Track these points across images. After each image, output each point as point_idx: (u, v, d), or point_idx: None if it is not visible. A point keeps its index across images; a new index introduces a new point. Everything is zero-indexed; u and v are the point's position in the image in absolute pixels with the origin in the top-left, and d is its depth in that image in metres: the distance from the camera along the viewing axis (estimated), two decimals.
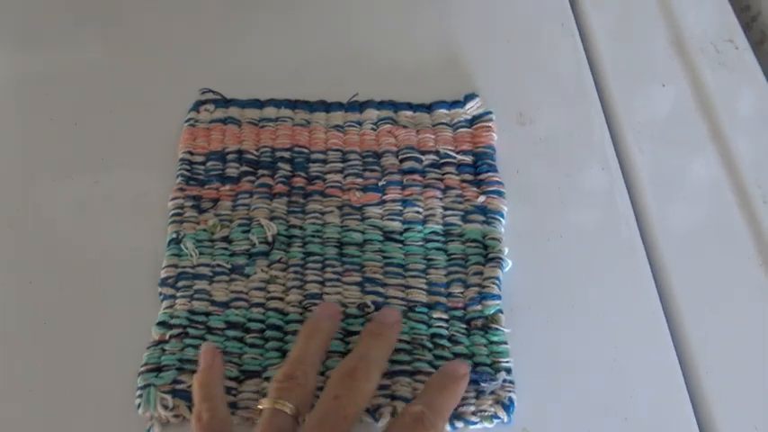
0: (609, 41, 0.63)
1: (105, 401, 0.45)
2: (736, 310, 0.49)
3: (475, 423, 0.43)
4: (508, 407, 0.43)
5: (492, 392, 0.44)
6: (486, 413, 0.43)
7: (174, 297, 0.48)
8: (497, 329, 0.46)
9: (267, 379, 0.45)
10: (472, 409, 0.43)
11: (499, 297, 0.48)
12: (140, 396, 0.44)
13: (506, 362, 0.45)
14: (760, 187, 0.54)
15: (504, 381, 0.44)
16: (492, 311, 0.47)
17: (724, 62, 0.61)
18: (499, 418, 0.43)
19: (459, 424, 0.43)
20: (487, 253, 0.50)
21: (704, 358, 0.47)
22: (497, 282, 0.48)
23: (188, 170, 0.54)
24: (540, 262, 0.51)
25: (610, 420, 0.44)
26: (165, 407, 0.44)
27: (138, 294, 0.49)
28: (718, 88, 0.60)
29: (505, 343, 0.46)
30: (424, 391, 0.42)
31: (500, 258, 0.49)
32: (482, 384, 0.44)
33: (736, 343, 0.47)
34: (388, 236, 0.51)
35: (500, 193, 0.53)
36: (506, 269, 0.49)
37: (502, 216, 0.52)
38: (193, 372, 0.45)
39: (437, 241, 0.51)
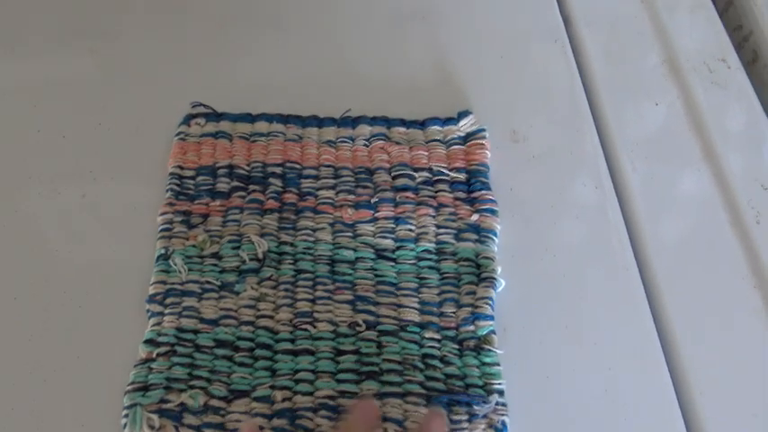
0: (602, 59, 0.63)
1: (90, 421, 0.44)
2: (730, 331, 0.48)
3: None
4: (501, 430, 0.43)
5: (485, 416, 0.43)
6: None
7: (161, 314, 0.47)
8: (490, 351, 0.46)
9: (257, 399, 0.44)
10: None
11: (492, 318, 0.47)
12: (126, 416, 0.43)
13: (499, 384, 0.45)
14: (753, 208, 0.54)
15: (497, 403, 0.44)
16: (484, 332, 0.47)
17: (717, 81, 0.61)
18: None
19: None
20: (480, 272, 0.49)
21: (698, 380, 0.46)
22: (491, 302, 0.48)
23: (178, 185, 0.53)
24: (533, 281, 0.50)
25: None
26: (152, 427, 0.43)
27: (125, 311, 0.48)
28: (711, 107, 0.60)
29: (498, 364, 0.46)
30: None
31: (493, 278, 0.49)
32: (475, 407, 0.43)
33: (730, 364, 0.47)
34: (380, 254, 0.50)
35: (493, 212, 0.52)
36: (499, 289, 0.49)
37: (495, 235, 0.51)
38: (181, 390, 0.44)
39: (430, 260, 0.50)
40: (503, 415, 0.43)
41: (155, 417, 0.43)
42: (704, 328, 0.48)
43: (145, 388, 0.44)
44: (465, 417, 0.43)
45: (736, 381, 0.46)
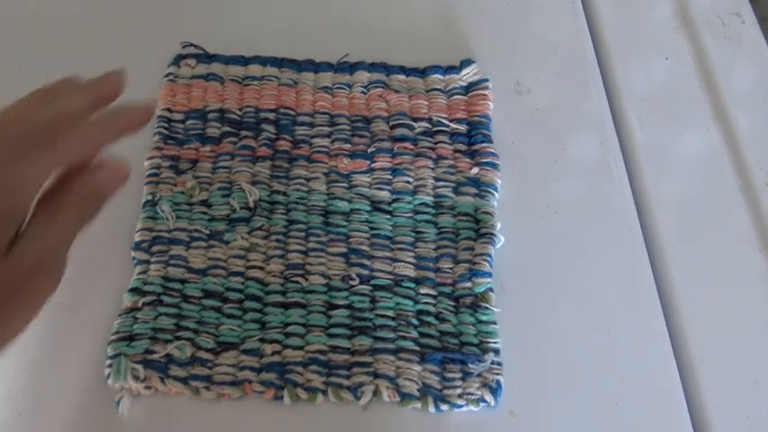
0: (612, 11, 0.60)
1: (72, 371, 0.43)
2: (733, 295, 0.47)
3: (460, 406, 0.42)
4: (495, 390, 0.42)
5: (479, 374, 0.42)
6: (473, 396, 0.42)
7: (148, 262, 0.46)
8: (486, 308, 0.45)
9: (245, 352, 0.43)
10: (458, 391, 0.42)
11: (490, 275, 0.46)
12: (110, 366, 0.42)
13: (494, 343, 0.43)
14: (761, 169, 0.52)
15: (492, 362, 0.42)
16: (482, 289, 0.45)
17: (730, 36, 0.59)
18: (486, 401, 0.42)
19: (444, 407, 0.42)
20: (479, 228, 0.48)
21: (698, 345, 0.45)
22: (489, 259, 0.46)
23: (166, 128, 0.51)
24: (534, 239, 0.49)
25: (600, 405, 0.43)
26: (137, 378, 0.41)
27: (109, 258, 0.46)
28: (722, 63, 0.58)
29: (494, 323, 0.44)
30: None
31: (492, 234, 0.47)
32: (470, 365, 0.42)
33: (731, 330, 0.46)
34: (375, 206, 0.49)
35: (494, 165, 0.50)
36: (498, 245, 0.47)
37: (495, 189, 0.50)
38: (167, 341, 0.43)
39: (427, 213, 0.48)
40: (497, 374, 0.42)
41: (139, 367, 0.42)
42: (707, 291, 0.47)
43: (130, 338, 0.43)
44: (459, 374, 0.42)
45: (736, 347, 0.45)
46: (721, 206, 0.51)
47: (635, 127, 0.54)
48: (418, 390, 0.42)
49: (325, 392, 0.42)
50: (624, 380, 0.44)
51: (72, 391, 0.42)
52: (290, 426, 0.41)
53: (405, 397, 0.42)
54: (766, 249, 0.49)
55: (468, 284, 0.45)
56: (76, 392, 0.42)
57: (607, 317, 0.46)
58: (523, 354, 0.44)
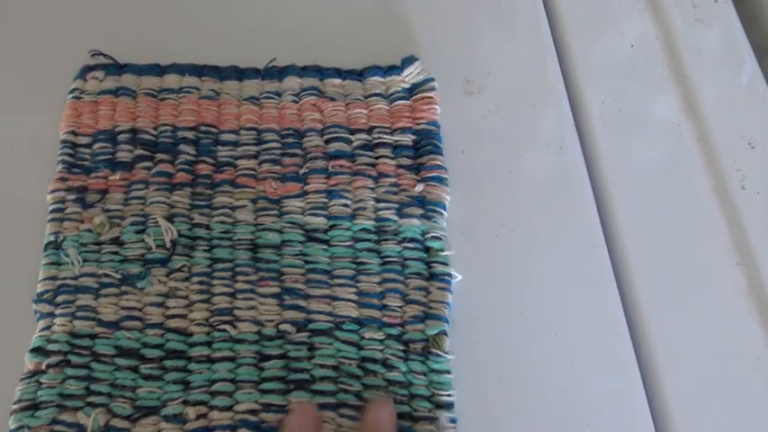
0: None
1: None
2: (707, 321, 0.43)
3: None
4: None
5: None
6: None
7: (52, 315, 0.40)
8: (439, 355, 0.40)
9: (166, 418, 0.38)
10: None
11: (447, 320, 0.41)
12: None
13: (448, 395, 0.39)
14: (738, 170, 0.47)
15: (447, 420, 0.38)
16: (434, 332, 0.40)
17: (701, 18, 0.53)
18: None
19: None
20: (429, 260, 0.42)
21: (671, 378, 0.41)
22: (447, 307, 0.41)
23: (71, 155, 0.45)
24: (486, 262, 0.44)
25: None
26: None
27: (8, 312, 0.41)
28: (693, 49, 0.52)
29: (449, 372, 0.39)
30: None
31: (448, 276, 0.42)
32: None
33: (707, 360, 0.42)
34: (310, 235, 0.43)
35: (441, 180, 0.45)
36: (455, 282, 0.42)
37: (443, 208, 0.44)
38: (77, 408, 0.38)
39: (368, 240, 0.43)
40: None
41: None
42: (680, 317, 0.43)
43: (34, 407, 0.38)
44: None
45: (711, 377, 0.41)
46: (695, 215, 0.46)
47: (598, 128, 0.49)
48: None
49: None
50: (590, 421, 0.40)
51: None
52: None
53: None
54: (743, 263, 0.44)
55: (420, 326, 0.41)
56: None
57: (569, 349, 0.41)
58: (477, 398, 0.40)
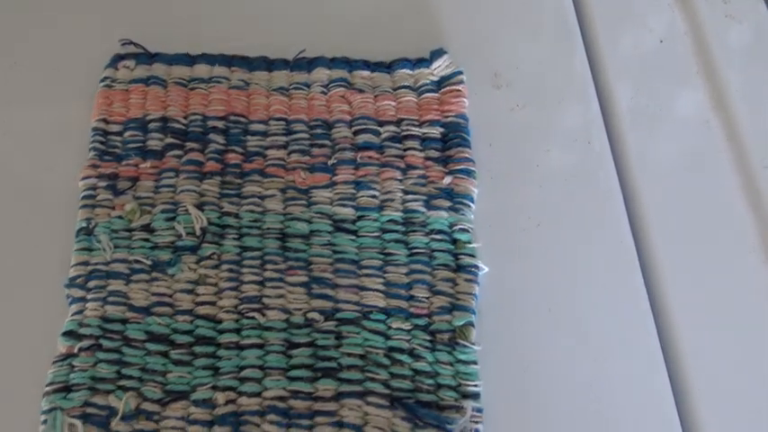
0: None
1: (1, 428, 0.38)
2: (735, 325, 0.42)
3: None
4: None
5: None
6: None
7: (83, 300, 0.41)
8: (466, 346, 0.40)
9: (195, 402, 0.38)
10: None
11: (474, 311, 0.41)
12: (45, 422, 0.37)
13: (475, 386, 0.39)
14: (766, 167, 0.47)
15: (472, 409, 0.38)
16: (461, 323, 0.41)
17: (731, 14, 0.53)
18: None
19: None
20: (457, 252, 0.43)
21: (698, 373, 0.41)
22: (474, 298, 0.41)
23: (102, 142, 0.45)
24: (514, 255, 0.44)
25: None
26: None
27: (41, 296, 0.41)
28: (724, 46, 0.52)
29: (475, 362, 0.40)
30: None
31: (475, 267, 0.42)
32: (447, 426, 0.37)
33: (734, 361, 0.41)
34: (338, 225, 0.44)
35: (469, 173, 0.45)
36: (482, 273, 0.42)
37: (471, 200, 0.45)
38: (109, 392, 0.38)
39: (396, 232, 0.44)
40: (477, 422, 0.38)
41: (78, 422, 0.37)
42: (707, 313, 0.43)
43: (66, 389, 0.38)
44: (434, 422, 0.38)
45: (738, 374, 0.41)
46: (722, 212, 0.46)
47: (627, 123, 0.49)
48: None
49: None
50: (615, 416, 0.40)
51: None
52: None
53: None
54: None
55: (448, 317, 0.41)
56: None
57: (596, 344, 0.41)
58: (502, 390, 0.40)
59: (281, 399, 0.39)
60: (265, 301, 0.41)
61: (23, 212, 0.44)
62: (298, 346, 0.40)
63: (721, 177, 0.47)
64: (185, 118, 0.46)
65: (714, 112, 0.50)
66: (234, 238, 0.43)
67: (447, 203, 0.44)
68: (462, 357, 0.40)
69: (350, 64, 0.49)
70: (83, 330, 0.40)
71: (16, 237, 0.43)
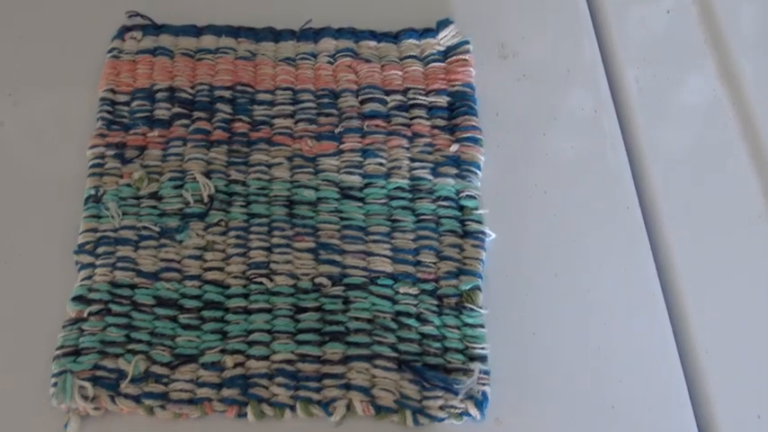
0: None
1: (12, 391, 0.38)
2: (741, 280, 0.43)
3: (441, 419, 0.38)
4: (481, 402, 0.38)
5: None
6: (455, 410, 0.37)
7: (92, 266, 0.41)
8: (473, 310, 0.40)
9: (205, 365, 0.39)
10: (440, 403, 0.38)
11: (481, 276, 0.41)
12: (55, 384, 0.38)
13: (482, 348, 0.39)
14: None
15: (479, 372, 0.38)
16: (468, 287, 0.41)
17: None
18: (470, 415, 0.37)
19: (424, 420, 0.38)
20: (464, 218, 0.43)
21: (704, 336, 0.41)
22: (481, 263, 0.42)
23: (110, 112, 0.46)
24: (520, 222, 0.44)
25: (595, 408, 0.39)
26: (85, 397, 0.37)
27: (50, 261, 0.42)
28: (730, 12, 0.52)
29: (482, 326, 0.40)
30: None
31: (482, 233, 0.42)
32: (455, 386, 0.38)
33: (738, 321, 0.41)
34: (345, 193, 0.44)
35: (476, 141, 0.45)
36: (489, 239, 0.43)
37: (478, 168, 0.45)
38: (118, 355, 0.39)
39: (403, 199, 0.44)
40: (484, 384, 0.38)
41: (88, 385, 0.38)
42: (713, 275, 0.43)
43: (75, 352, 0.39)
44: (441, 383, 0.38)
45: (746, 337, 0.41)
46: (730, 179, 0.46)
47: (633, 91, 0.49)
48: (395, 401, 0.38)
49: (293, 408, 0.38)
50: (622, 379, 0.40)
51: (13, 415, 0.38)
52: None
53: (380, 410, 0.38)
54: None
55: (454, 282, 0.41)
56: (18, 416, 0.38)
57: (603, 308, 0.42)
58: (509, 353, 0.40)
59: (289, 362, 0.39)
60: (273, 266, 0.41)
61: (33, 179, 0.44)
62: (305, 310, 0.40)
63: (728, 143, 0.47)
64: (192, 88, 0.47)
65: (721, 80, 0.49)
66: (241, 206, 0.43)
67: (454, 171, 0.44)
68: (469, 321, 0.40)
69: (356, 34, 0.49)
70: (92, 295, 0.40)
71: (26, 203, 0.43)
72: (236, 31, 0.49)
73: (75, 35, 0.50)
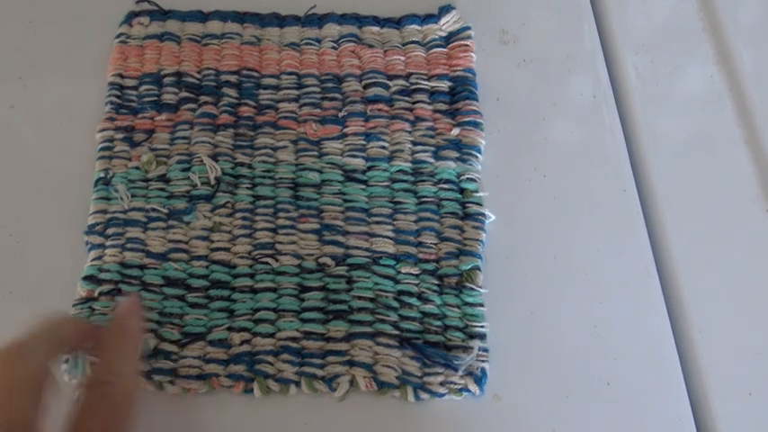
0: None
1: None
2: (736, 261, 0.44)
3: (442, 395, 0.39)
4: (480, 379, 0.39)
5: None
6: (455, 386, 0.39)
7: (102, 247, 0.42)
8: (473, 289, 0.41)
9: (212, 343, 0.40)
10: (440, 379, 0.39)
11: (480, 257, 0.42)
12: (67, 361, 0.39)
13: (481, 327, 0.40)
14: None
15: (479, 349, 0.39)
16: (468, 267, 0.42)
17: None
18: (470, 391, 0.39)
19: (425, 395, 0.39)
20: (464, 201, 0.44)
21: (697, 315, 0.42)
22: (481, 244, 0.43)
23: (118, 96, 0.47)
24: (519, 204, 0.45)
25: (591, 384, 0.40)
26: None
27: (61, 242, 0.43)
28: (729, 1, 0.52)
29: (482, 305, 0.41)
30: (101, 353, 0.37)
31: (482, 215, 0.43)
32: (454, 363, 0.39)
33: (732, 301, 0.43)
34: (349, 175, 0.45)
35: (477, 125, 0.46)
36: (489, 222, 0.44)
37: (479, 152, 0.46)
38: None
39: (405, 181, 0.45)
40: (483, 361, 0.39)
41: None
42: (708, 256, 0.44)
43: None
44: (441, 360, 0.39)
45: (738, 316, 0.42)
46: (726, 165, 0.47)
47: (631, 76, 0.50)
48: (397, 377, 0.39)
49: (298, 384, 0.39)
50: (617, 357, 0.41)
51: None
52: (261, 420, 0.39)
53: (382, 386, 0.39)
54: None
55: (455, 262, 0.42)
56: None
57: (600, 288, 0.43)
58: (508, 332, 0.41)
59: (294, 339, 0.40)
60: (278, 247, 0.43)
61: (43, 161, 0.45)
62: (310, 289, 0.41)
63: (725, 129, 0.48)
64: (199, 72, 0.48)
65: (718, 67, 0.50)
66: (247, 188, 0.44)
67: (455, 154, 0.45)
68: (469, 300, 0.41)
69: (360, 20, 0.50)
70: (103, 275, 0.41)
71: (37, 185, 0.44)
72: (241, 17, 0.50)
73: (83, 20, 0.50)
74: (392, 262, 0.42)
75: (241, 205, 0.43)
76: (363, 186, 0.44)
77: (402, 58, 0.48)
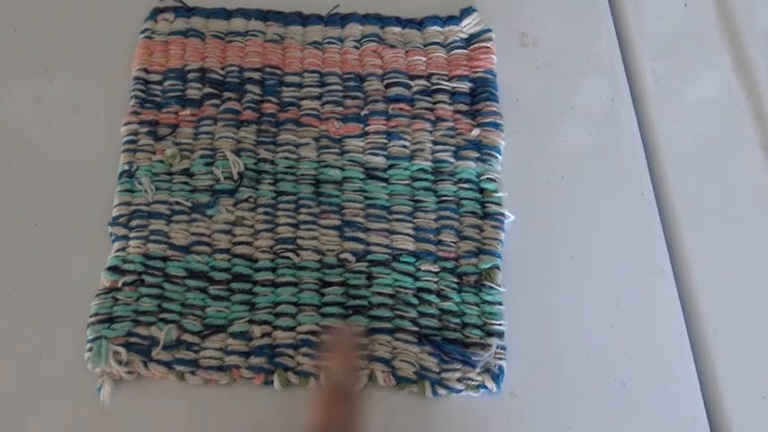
0: None
1: (48, 354, 0.40)
2: (752, 264, 0.44)
3: (459, 391, 0.39)
4: (497, 376, 0.39)
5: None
6: (473, 382, 0.39)
7: (126, 238, 0.43)
8: (492, 288, 0.42)
9: (233, 335, 0.40)
10: (457, 375, 0.39)
11: (500, 255, 0.43)
12: (90, 350, 0.39)
13: (499, 325, 0.41)
14: None
15: (496, 347, 0.40)
16: (488, 266, 0.42)
17: None
18: (487, 387, 0.39)
19: (442, 391, 0.39)
20: (484, 200, 0.44)
21: (712, 318, 0.43)
22: (500, 243, 0.43)
23: (143, 91, 0.47)
24: (538, 205, 0.46)
25: (605, 385, 0.41)
26: (119, 361, 0.39)
27: (85, 232, 0.43)
28: (745, 8, 0.53)
29: (500, 303, 0.41)
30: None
31: (501, 215, 0.44)
32: (472, 360, 0.39)
33: (747, 304, 0.43)
34: (370, 173, 0.45)
35: (497, 126, 0.47)
36: (508, 222, 0.44)
37: (498, 152, 0.46)
38: (150, 324, 0.40)
39: (426, 180, 0.45)
40: (501, 359, 0.40)
41: (122, 350, 0.39)
42: (723, 259, 0.44)
43: (110, 320, 0.40)
44: (459, 357, 0.40)
45: (753, 320, 0.43)
46: (743, 170, 0.47)
47: (649, 80, 0.50)
48: (415, 373, 0.40)
49: (317, 377, 0.40)
50: (633, 357, 0.41)
51: (50, 378, 0.40)
52: (281, 412, 0.39)
53: (400, 381, 0.39)
54: None
55: (474, 260, 0.43)
56: (54, 378, 0.40)
57: (616, 288, 0.43)
58: (525, 330, 0.42)
59: (314, 333, 0.41)
60: (299, 242, 0.43)
61: (68, 154, 0.46)
62: (330, 284, 0.42)
63: (741, 134, 0.49)
64: (222, 69, 0.48)
65: (735, 73, 0.51)
66: (269, 183, 0.45)
67: (475, 154, 0.46)
68: (488, 298, 0.41)
69: (382, 20, 0.50)
70: (126, 266, 0.42)
71: (62, 176, 0.45)
72: (264, 15, 0.50)
73: (109, 15, 0.51)
74: (412, 259, 0.43)
75: (263, 200, 0.44)
76: (384, 184, 0.45)
77: (423, 59, 0.49)
